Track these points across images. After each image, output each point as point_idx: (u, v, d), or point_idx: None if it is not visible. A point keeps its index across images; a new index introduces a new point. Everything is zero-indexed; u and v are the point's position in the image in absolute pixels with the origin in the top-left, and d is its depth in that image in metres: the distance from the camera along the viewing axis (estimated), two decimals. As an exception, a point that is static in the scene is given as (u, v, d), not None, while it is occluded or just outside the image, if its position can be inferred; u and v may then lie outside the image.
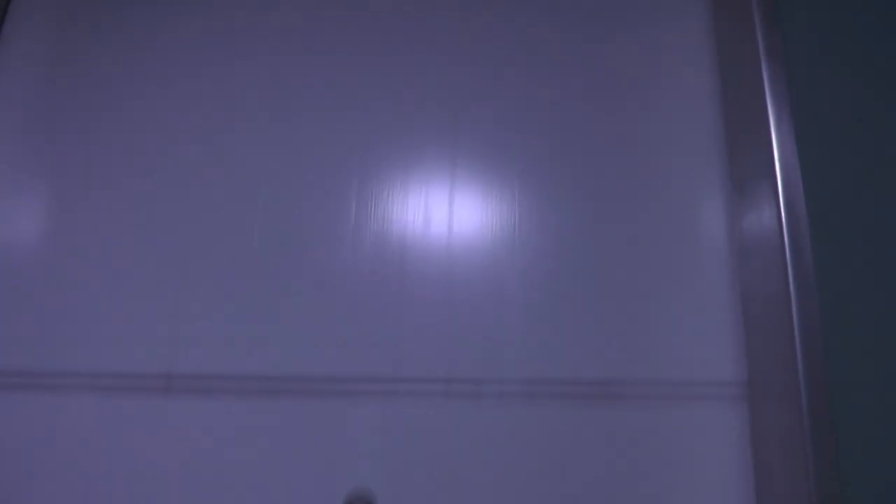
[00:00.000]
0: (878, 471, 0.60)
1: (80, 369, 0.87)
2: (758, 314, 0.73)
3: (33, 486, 0.82)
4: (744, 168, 0.79)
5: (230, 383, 0.84)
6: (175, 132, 0.97)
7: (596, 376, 0.79)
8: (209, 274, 0.89)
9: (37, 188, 0.97)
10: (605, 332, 0.81)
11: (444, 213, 0.88)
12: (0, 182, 0.97)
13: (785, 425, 0.65)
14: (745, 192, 0.78)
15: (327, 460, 0.79)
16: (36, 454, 0.84)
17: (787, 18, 0.74)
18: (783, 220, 0.67)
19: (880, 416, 0.61)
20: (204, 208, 0.93)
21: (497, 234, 0.86)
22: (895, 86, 0.71)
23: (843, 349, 0.63)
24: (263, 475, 0.80)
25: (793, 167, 0.68)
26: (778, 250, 0.67)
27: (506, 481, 0.77)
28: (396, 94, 0.94)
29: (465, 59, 0.95)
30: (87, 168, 0.97)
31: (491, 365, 0.81)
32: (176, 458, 0.81)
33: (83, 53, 1.03)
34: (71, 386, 0.86)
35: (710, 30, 0.91)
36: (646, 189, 0.86)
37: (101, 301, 0.89)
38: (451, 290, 0.84)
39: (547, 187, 0.87)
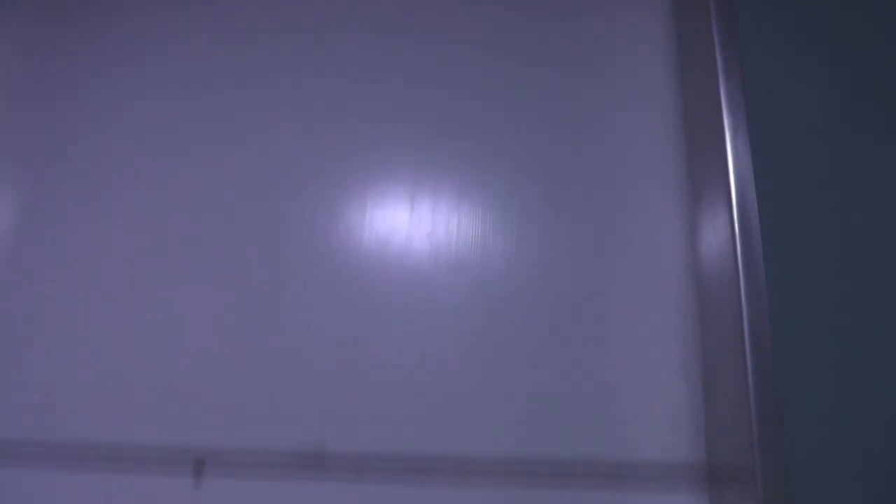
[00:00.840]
0: (826, 473, 0.62)
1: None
2: (711, 321, 0.76)
3: None
4: (700, 179, 0.81)
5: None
6: (152, 130, 0.97)
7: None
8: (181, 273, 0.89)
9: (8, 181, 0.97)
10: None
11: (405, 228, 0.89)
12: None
13: (734, 426, 0.67)
14: (702, 203, 0.80)
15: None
16: None
17: (745, 30, 0.76)
18: (736, 230, 0.69)
19: (828, 425, 0.63)
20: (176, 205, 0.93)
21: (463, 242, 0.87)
22: (852, 97, 0.73)
23: (794, 356, 0.65)
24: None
25: (747, 179, 0.70)
26: (731, 259, 0.69)
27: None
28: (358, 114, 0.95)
29: (428, 93, 0.95)
30: (57, 165, 0.97)
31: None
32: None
33: (58, 44, 1.03)
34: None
35: (672, 37, 0.93)
36: (604, 201, 0.87)
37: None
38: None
39: (512, 198, 0.89)
